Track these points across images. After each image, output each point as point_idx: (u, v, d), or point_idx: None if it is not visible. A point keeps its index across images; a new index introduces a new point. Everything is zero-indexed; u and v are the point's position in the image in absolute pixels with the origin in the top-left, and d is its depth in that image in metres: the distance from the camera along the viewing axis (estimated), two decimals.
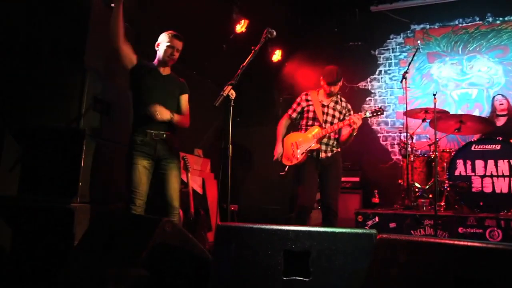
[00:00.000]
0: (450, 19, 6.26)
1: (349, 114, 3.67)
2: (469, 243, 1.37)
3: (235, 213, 5.97)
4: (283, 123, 3.77)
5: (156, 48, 3.15)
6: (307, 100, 3.70)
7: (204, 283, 2.06)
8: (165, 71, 3.19)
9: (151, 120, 2.95)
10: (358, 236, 1.77)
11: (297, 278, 1.78)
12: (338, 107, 3.67)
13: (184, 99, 3.29)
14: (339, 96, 3.72)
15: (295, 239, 1.83)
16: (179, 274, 2.16)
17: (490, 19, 6.09)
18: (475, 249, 1.36)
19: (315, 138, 3.51)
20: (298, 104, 3.74)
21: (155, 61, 3.16)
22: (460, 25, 6.22)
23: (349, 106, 3.77)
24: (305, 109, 3.66)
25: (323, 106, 3.63)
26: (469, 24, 6.18)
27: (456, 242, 1.43)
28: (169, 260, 2.12)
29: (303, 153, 3.51)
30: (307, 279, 1.76)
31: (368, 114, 3.49)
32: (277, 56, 6.34)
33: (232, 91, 2.60)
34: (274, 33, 2.89)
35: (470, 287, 1.32)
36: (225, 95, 2.55)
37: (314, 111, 3.61)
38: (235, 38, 5.67)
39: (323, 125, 3.55)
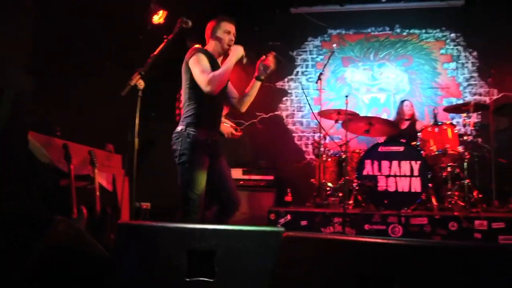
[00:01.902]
0: (364, 26, 6.57)
1: None
2: (371, 240, 1.38)
3: (148, 212, 5.74)
4: None
5: (212, 38, 2.93)
6: None
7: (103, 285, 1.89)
8: (221, 62, 2.95)
9: (213, 117, 2.91)
10: (266, 234, 1.72)
11: (200, 279, 1.69)
12: None
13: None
14: None
15: (200, 238, 1.75)
16: (74, 278, 1.96)
17: (398, 30, 6.49)
18: (377, 245, 1.37)
19: None
20: None
21: (213, 48, 2.94)
22: (373, 33, 6.54)
23: None
24: None
25: None
26: (380, 33, 6.53)
27: (359, 239, 1.44)
28: (63, 263, 1.91)
29: None
30: (211, 280, 1.68)
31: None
32: None
33: (140, 80, 2.44)
34: (190, 23, 2.78)
35: (373, 283, 1.33)
36: (132, 84, 2.39)
37: None
38: (153, 29, 5.45)
39: None
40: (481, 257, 1.13)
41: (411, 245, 1.29)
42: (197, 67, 2.72)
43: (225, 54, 2.93)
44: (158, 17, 5.48)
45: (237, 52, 2.82)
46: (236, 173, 5.38)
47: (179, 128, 2.84)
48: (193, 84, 2.79)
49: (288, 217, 4.15)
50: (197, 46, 2.95)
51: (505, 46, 5.69)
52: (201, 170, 2.77)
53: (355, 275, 1.31)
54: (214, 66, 2.82)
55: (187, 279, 1.69)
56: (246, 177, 5.40)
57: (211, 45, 2.95)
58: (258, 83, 3.00)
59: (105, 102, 4.53)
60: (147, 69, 2.47)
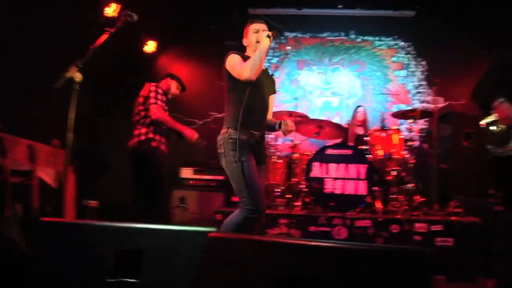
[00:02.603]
0: (320, 31, 6.66)
1: None
2: (293, 241, 1.38)
3: (96, 210, 5.55)
4: None
5: (246, 41, 2.99)
6: None
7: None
8: None
9: (258, 120, 2.84)
10: (195, 234, 1.69)
11: (125, 279, 1.64)
12: None
13: (273, 99, 3.16)
14: None
15: (128, 238, 1.69)
16: None
17: (353, 36, 6.64)
18: (298, 247, 1.37)
19: None
20: None
21: (248, 52, 2.94)
22: (328, 38, 6.65)
23: None
24: None
25: None
26: (336, 38, 6.65)
27: (281, 241, 1.43)
28: None
29: None
30: (137, 280, 1.63)
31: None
32: (150, 47, 6.08)
33: (77, 73, 2.34)
34: (135, 17, 2.71)
35: (294, 285, 1.33)
36: (67, 76, 2.29)
37: None
38: (106, 23, 5.28)
39: None
40: (387, 258, 1.15)
41: (332, 247, 1.30)
42: (231, 64, 2.81)
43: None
44: (112, 11, 5.32)
45: (263, 36, 2.78)
46: (187, 173, 5.32)
47: (221, 132, 2.84)
48: (230, 87, 2.87)
49: None
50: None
51: (451, 57, 5.95)
52: (251, 165, 2.70)
53: (276, 276, 1.30)
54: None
55: (112, 280, 1.63)
56: (197, 176, 5.34)
57: (248, 49, 3.00)
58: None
59: (51, 96, 4.36)
60: (85, 61, 2.37)
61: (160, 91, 3.94)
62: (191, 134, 3.96)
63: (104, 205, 5.34)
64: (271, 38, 2.77)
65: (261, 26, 2.94)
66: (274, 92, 3.15)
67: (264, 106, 2.96)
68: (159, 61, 6.51)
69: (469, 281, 3.55)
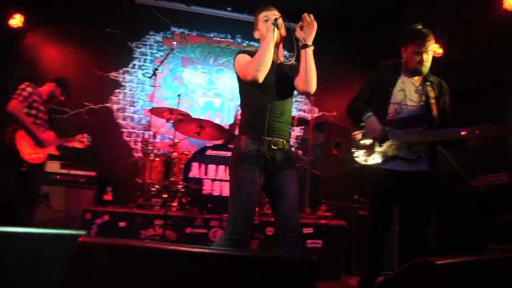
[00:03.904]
0: (207, 30, 6.62)
1: None
2: (178, 248, 1.28)
3: None
4: None
5: (256, 32, 2.59)
6: None
7: None
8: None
9: (271, 126, 2.41)
10: (61, 238, 1.48)
11: None
12: None
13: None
14: None
15: None
16: None
17: (239, 40, 6.73)
18: (185, 254, 1.28)
19: None
20: None
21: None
22: (215, 38, 6.64)
23: None
24: None
25: None
26: (222, 39, 6.67)
27: (164, 247, 1.33)
28: None
29: None
30: None
31: None
32: (16, 21, 5.37)
33: None
34: None
35: None
36: None
37: None
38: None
39: None
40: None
41: (213, 254, 1.24)
42: (238, 65, 2.49)
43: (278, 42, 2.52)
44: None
45: (270, 25, 2.38)
46: (53, 167, 4.82)
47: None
48: (240, 91, 2.59)
49: (106, 217, 3.84)
50: None
51: (325, 70, 6.38)
52: (245, 183, 2.37)
53: (153, 285, 1.20)
54: None
55: None
56: (65, 171, 4.88)
57: (260, 42, 2.56)
58: (309, 51, 2.46)
59: None
60: None
61: (30, 90, 3.88)
62: (43, 140, 3.93)
63: None
64: (277, 25, 2.39)
65: (272, 14, 2.51)
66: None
67: (281, 108, 2.50)
68: (28, 39, 5.77)
69: (335, 280, 3.82)
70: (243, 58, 2.50)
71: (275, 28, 2.36)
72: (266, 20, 2.49)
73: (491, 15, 4.43)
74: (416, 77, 2.85)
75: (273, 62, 2.43)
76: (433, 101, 2.78)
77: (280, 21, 2.41)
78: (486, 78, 5.10)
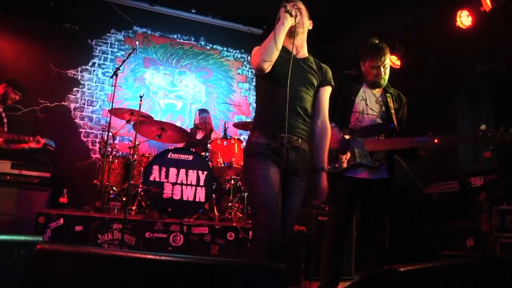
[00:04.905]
0: (171, 32, 6.55)
1: None
2: (145, 256, 1.25)
3: None
4: None
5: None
6: None
7: None
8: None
9: (283, 121, 2.17)
10: (15, 245, 1.40)
11: None
12: None
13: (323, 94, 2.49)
14: None
15: None
16: None
17: (203, 43, 6.70)
18: (152, 262, 1.25)
19: None
20: None
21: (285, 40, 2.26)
22: (178, 40, 6.57)
23: None
24: None
25: None
26: (186, 41, 6.60)
27: (130, 254, 1.29)
28: None
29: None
30: None
31: None
32: None
33: None
34: None
35: None
36: None
37: None
38: None
39: None
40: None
41: (180, 262, 1.22)
42: (251, 56, 2.33)
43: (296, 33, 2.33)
44: None
45: (283, 12, 2.21)
46: (4, 167, 4.59)
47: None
48: (255, 84, 2.50)
49: (61, 221, 3.69)
50: None
51: None
52: (261, 174, 2.12)
53: None
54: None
55: None
56: (16, 171, 4.65)
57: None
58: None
59: None
60: None
61: None
62: None
63: None
64: (292, 13, 2.20)
65: (292, 4, 2.31)
66: (326, 83, 2.47)
67: (298, 104, 2.28)
68: None
69: (296, 285, 3.85)
70: (256, 48, 2.32)
71: (288, 15, 2.19)
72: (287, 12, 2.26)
73: (445, 31, 4.64)
74: (377, 89, 2.94)
75: (290, 55, 2.24)
76: (393, 111, 2.87)
77: (299, 7, 2.31)
78: (438, 87, 5.35)
